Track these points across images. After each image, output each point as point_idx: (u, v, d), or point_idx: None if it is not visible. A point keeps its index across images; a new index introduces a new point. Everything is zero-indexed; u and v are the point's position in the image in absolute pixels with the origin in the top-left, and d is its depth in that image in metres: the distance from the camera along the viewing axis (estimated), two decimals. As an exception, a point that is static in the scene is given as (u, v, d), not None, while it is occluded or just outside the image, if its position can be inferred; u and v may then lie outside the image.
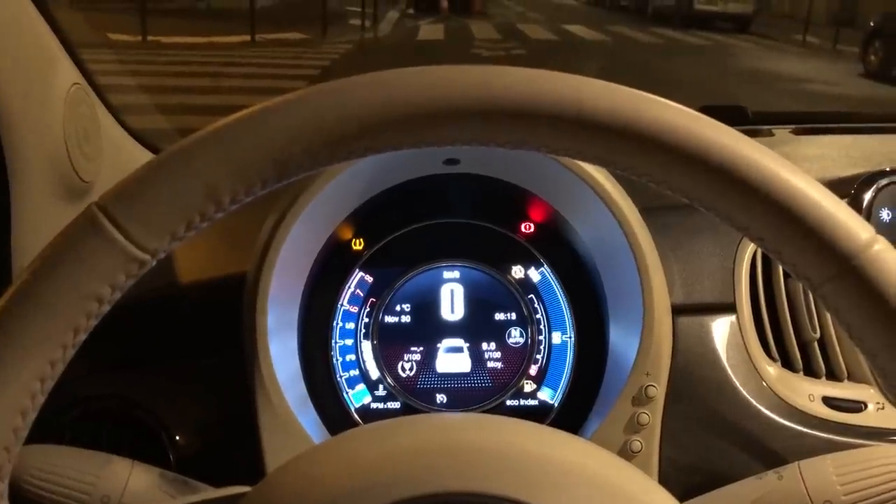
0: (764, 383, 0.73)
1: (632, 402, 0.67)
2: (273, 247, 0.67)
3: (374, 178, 0.74)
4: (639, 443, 0.67)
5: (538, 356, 0.77)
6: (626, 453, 0.67)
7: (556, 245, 0.78)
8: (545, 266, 0.78)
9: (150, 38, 8.85)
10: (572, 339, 0.78)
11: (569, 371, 0.77)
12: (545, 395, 0.78)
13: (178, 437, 0.73)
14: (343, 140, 0.33)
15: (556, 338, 0.78)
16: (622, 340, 0.72)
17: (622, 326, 0.72)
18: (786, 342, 0.76)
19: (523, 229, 0.80)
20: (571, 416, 0.75)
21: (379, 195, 0.76)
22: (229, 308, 0.69)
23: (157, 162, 0.34)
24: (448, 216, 0.79)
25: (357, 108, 0.33)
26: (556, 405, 0.77)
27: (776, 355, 0.75)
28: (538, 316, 0.78)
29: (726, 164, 0.35)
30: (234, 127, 0.34)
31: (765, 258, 0.75)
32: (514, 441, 0.38)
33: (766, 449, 0.74)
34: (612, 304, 0.74)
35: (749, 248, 0.76)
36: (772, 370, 0.74)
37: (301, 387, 0.74)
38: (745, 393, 0.71)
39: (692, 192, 0.36)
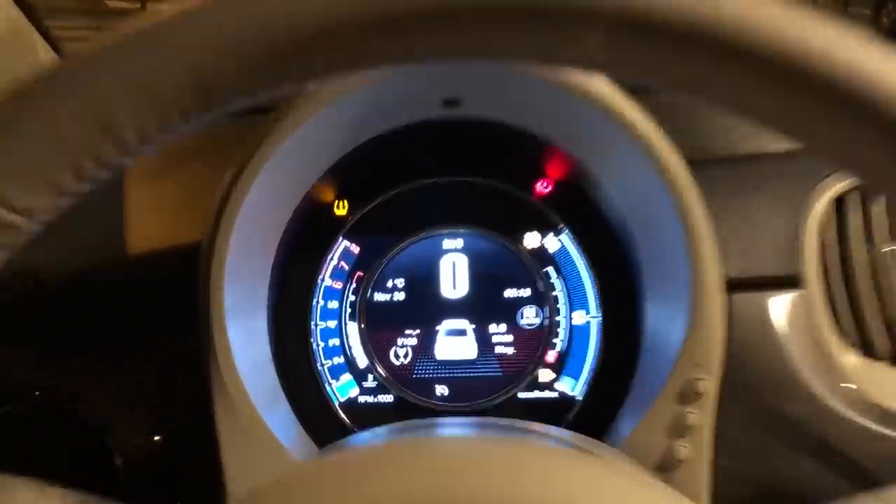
0: (839, 375, 0.60)
1: (676, 399, 0.56)
2: (230, 207, 0.56)
3: (358, 125, 0.63)
4: (685, 448, 0.56)
5: (556, 340, 0.69)
6: (669, 461, 0.57)
7: (578, 206, 0.68)
8: (566, 232, 0.69)
9: (148, 3, 8.65)
10: (598, 319, 0.69)
11: (594, 357, 0.69)
12: (565, 385, 0.69)
13: (126, 439, 0.65)
14: (292, 52, 0.24)
15: (579, 318, 0.69)
16: (663, 322, 0.61)
17: (662, 305, 0.62)
18: (866, 323, 0.62)
19: (539, 188, 0.70)
20: (598, 412, 0.66)
21: (364, 146, 0.66)
22: (192, 284, 0.59)
23: (27, 87, 0.25)
24: (449, 173, 0.70)
25: (313, 6, 0.23)
26: (578, 398, 0.69)
27: (855, 340, 0.62)
28: (556, 292, 0.69)
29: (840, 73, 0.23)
30: (139, 35, 0.24)
31: (839, 219, 0.63)
32: (530, 481, 0.26)
33: (843, 457, 0.59)
34: (648, 277, 0.64)
35: (819, 207, 0.63)
36: (849, 359, 0.61)
37: (271, 378, 0.65)
38: (815, 387, 0.59)
39: (782, 113, 0.25)
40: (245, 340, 0.60)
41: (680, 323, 0.57)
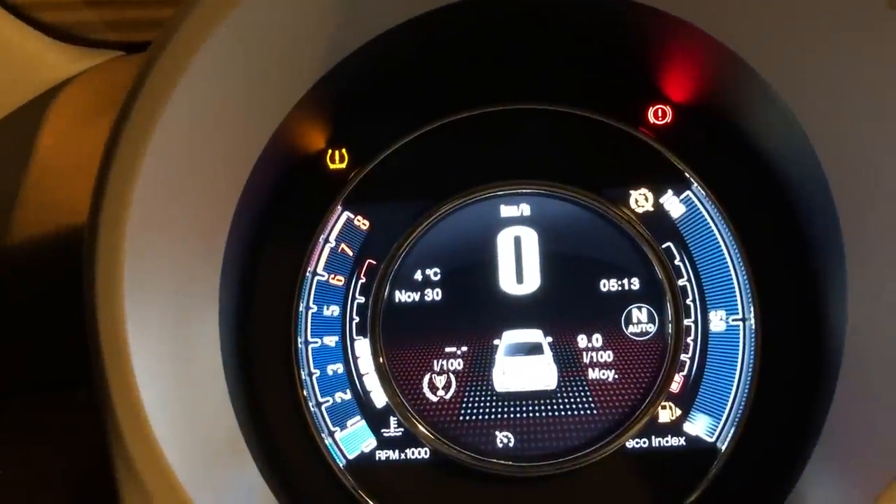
0: None
1: None
2: (120, 165, 0.42)
3: (355, 11, 0.48)
4: None
5: (684, 357, 0.58)
6: None
7: (718, 145, 0.57)
8: (695, 186, 0.58)
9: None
10: (751, 322, 0.57)
11: (745, 384, 0.57)
12: (698, 427, 0.57)
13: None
14: None
15: (717, 321, 0.58)
16: (890, 328, 0.47)
17: (886, 297, 0.48)
18: None
19: (652, 116, 0.58)
20: (754, 473, 0.55)
21: (369, 51, 0.51)
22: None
23: None
24: (508, 96, 0.59)
25: None
26: (721, 448, 0.57)
27: None
28: (682, 282, 0.58)
29: None
30: None
31: None
32: None
33: None
34: (854, 252, 0.49)
35: None
36: None
37: (225, 430, 0.52)
38: None
39: None
40: (170, 374, 0.47)
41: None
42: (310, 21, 0.46)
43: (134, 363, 0.43)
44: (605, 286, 0.58)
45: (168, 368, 0.47)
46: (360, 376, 0.59)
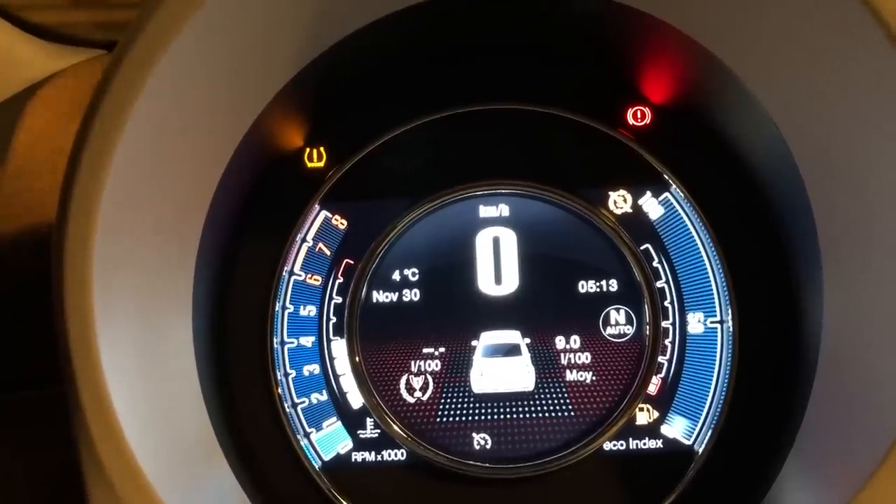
0: None
1: None
2: (90, 162, 0.40)
3: (338, 5, 0.46)
4: None
5: (662, 359, 0.57)
6: None
7: (696, 146, 0.57)
8: (674, 188, 0.57)
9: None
10: (728, 325, 0.57)
11: (723, 387, 0.56)
12: (676, 430, 0.57)
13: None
14: None
15: (695, 323, 0.57)
16: (866, 332, 0.46)
17: (861, 301, 0.47)
18: None
19: (631, 118, 0.58)
20: (731, 476, 0.55)
21: (346, 48, 0.50)
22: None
23: None
24: (487, 96, 0.58)
25: None
26: (698, 451, 0.56)
27: None
28: (661, 284, 0.58)
29: None
30: None
31: None
32: None
33: None
34: (830, 256, 0.48)
35: None
36: None
37: (198, 431, 0.51)
38: None
39: None
40: (141, 373, 0.46)
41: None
42: (284, 16, 0.45)
43: (103, 361, 0.42)
44: (583, 287, 0.57)
45: (139, 367, 0.46)
46: (336, 377, 0.58)
